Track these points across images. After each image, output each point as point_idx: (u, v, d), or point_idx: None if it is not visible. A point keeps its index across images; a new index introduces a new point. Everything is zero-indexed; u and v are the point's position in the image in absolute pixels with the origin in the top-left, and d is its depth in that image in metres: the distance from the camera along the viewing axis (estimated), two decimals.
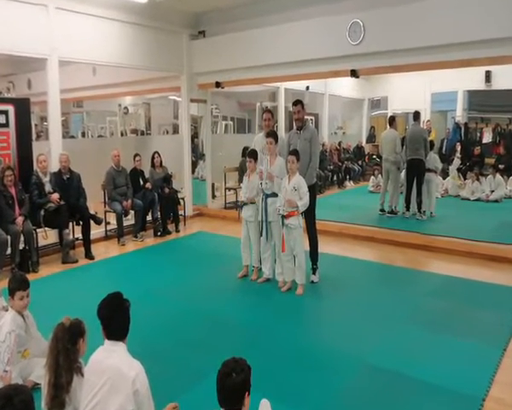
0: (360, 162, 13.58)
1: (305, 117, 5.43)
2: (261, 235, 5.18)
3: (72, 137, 13.24)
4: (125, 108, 13.54)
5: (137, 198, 7.32)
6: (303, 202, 4.75)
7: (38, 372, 2.94)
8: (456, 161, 11.49)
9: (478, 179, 10.30)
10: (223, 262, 6.06)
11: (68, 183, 6.34)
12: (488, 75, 11.49)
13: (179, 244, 7.28)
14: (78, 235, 6.56)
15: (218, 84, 8.63)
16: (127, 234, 7.29)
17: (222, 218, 8.88)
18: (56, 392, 2.29)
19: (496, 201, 9.87)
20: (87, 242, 6.40)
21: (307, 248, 5.25)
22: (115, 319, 2.30)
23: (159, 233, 7.55)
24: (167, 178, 7.89)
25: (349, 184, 12.89)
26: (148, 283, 5.33)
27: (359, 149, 13.97)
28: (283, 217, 4.81)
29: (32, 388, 2.92)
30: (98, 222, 6.56)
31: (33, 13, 6.19)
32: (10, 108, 6.10)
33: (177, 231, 7.82)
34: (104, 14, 7.06)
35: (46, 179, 6.16)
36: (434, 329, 4.08)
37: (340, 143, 13.45)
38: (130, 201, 7.12)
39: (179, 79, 8.80)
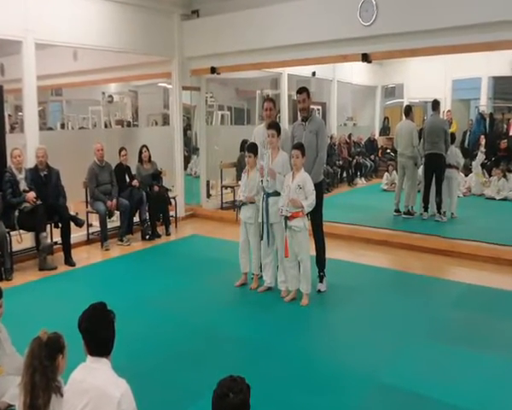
0: (373, 157, 13.60)
1: (311, 107, 5.44)
2: (262, 238, 5.18)
3: (51, 128, 13.26)
4: (110, 96, 13.53)
5: (123, 197, 7.33)
6: (308, 202, 4.75)
7: (13, 392, 2.94)
8: (480, 156, 11.50)
9: (504, 176, 10.30)
10: (219, 269, 6.06)
11: (46, 180, 6.34)
12: None
13: (170, 249, 7.29)
14: (57, 239, 6.56)
15: (213, 70, 8.63)
16: (112, 238, 7.29)
17: (218, 219, 8.89)
18: None
19: None
20: (67, 246, 6.40)
21: (313, 253, 5.25)
22: (98, 332, 2.30)
23: (147, 237, 7.55)
24: (156, 175, 7.89)
25: (360, 182, 12.92)
26: (135, 292, 5.32)
27: (372, 142, 13.99)
28: (286, 218, 4.81)
29: (6, 409, 2.92)
30: (79, 224, 6.55)
31: None
32: None
33: (168, 234, 7.83)
34: None
35: (21, 176, 6.16)
36: (456, 343, 4.08)
37: (350, 136, 13.47)
38: (114, 200, 7.12)
39: (170, 63, 8.80)
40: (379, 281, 5.77)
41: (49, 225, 6.38)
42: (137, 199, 7.50)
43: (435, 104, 8.45)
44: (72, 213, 6.62)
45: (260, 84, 12.64)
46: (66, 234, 6.39)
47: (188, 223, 8.78)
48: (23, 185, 6.13)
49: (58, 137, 9.00)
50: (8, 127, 11.30)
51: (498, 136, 12.25)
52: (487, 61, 11.43)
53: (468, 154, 11.77)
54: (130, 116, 14.00)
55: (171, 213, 8.18)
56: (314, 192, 4.78)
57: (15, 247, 6.14)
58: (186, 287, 5.50)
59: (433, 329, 4.39)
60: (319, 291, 5.24)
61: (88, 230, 7.31)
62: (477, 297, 5.20)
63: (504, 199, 10.07)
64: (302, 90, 5.25)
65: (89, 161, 7.18)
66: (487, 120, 12.60)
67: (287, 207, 4.76)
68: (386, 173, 11.78)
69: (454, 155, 8.55)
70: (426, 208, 8.45)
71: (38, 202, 6.06)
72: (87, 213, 7.28)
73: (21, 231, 6.08)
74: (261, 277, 5.39)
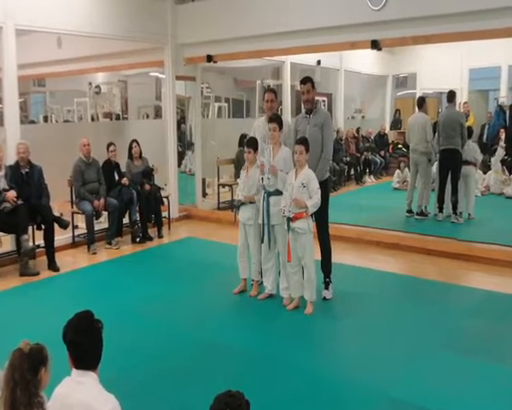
0: (383, 153, 13.60)
1: (316, 98, 5.44)
2: (262, 241, 5.19)
3: (33, 122, 13.27)
4: (97, 87, 13.53)
5: (112, 197, 7.33)
6: (313, 202, 4.75)
7: None
8: (500, 152, 11.48)
9: None
10: (215, 275, 6.07)
11: (28, 178, 6.34)
12: None
13: (162, 253, 7.29)
14: (40, 241, 6.56)
15: (209, 58, 8.63)
16: (99, 240, 7.30)
17: (214, 221, 8.89)
18: None
19: None
20: (50, 250, 6.40)
21: (318, 257, 5.25)
22: (84, 343, 2.29)
23: (138, 239, 7.56)
24: (148, 173, 7.90)
25: (369, 180, 12.92)
26: (124, 300, 5.33)
27: (382, 136, 13.99)
28: (289, 219, 4.81)
29: None
30: (64, 226, 6.56)
31: None
32: None
33: (160, 236, 7.84)
34: None
35: (0, 174, 6.17)
36: (473, 355, 4.09)
37: (358, 130, 13.48)
38: (102, 200, 7.13)
39: (162, 51, 8.81)
40: (389, 287, 5.78)
41: (31, 227, 6.39)
42: (127, 198, 7.50)
43: (451, 95, 8.45)
44: (56, 213, 6.63)
45: (261, 74, 12.62)
46: (49, 236, 6.39)
47: (182, 224, 8.79)
48: (3, 184, 6.14)
49: (41, 131, 9.00)
50: None
51: None
52: (507, 49, 11.41)
53: (487, 149, 11.76)
54: (120, 108, 13.98)
55: (164, 213, 8.18)
56: (319, 191, 4.77)
57: None
58: (180, 294, 5.50)
59: (449, 339, 4.39)
60: (324, 299, 5.24)
61: (73, 232, 7.31)
62: (496, 305, 5.21)
63: None
64: (306, 81, 5.25)
65: (74, 157, 7.18)
66: (507, 112, 12.55)
67: (289, 207, 4.75)
68: (397, 171, 11.79)
69: (471, 150, 8.55)
70: (441, 209, 8.45)
71: (19, 202, 6.06)
72: (72, 213, 7.27)
73: (1, 233, 6.08)
74: (261, 283, 5.39)
